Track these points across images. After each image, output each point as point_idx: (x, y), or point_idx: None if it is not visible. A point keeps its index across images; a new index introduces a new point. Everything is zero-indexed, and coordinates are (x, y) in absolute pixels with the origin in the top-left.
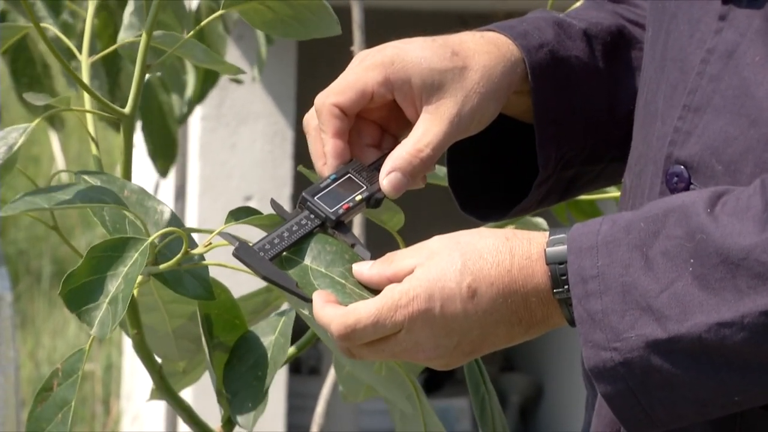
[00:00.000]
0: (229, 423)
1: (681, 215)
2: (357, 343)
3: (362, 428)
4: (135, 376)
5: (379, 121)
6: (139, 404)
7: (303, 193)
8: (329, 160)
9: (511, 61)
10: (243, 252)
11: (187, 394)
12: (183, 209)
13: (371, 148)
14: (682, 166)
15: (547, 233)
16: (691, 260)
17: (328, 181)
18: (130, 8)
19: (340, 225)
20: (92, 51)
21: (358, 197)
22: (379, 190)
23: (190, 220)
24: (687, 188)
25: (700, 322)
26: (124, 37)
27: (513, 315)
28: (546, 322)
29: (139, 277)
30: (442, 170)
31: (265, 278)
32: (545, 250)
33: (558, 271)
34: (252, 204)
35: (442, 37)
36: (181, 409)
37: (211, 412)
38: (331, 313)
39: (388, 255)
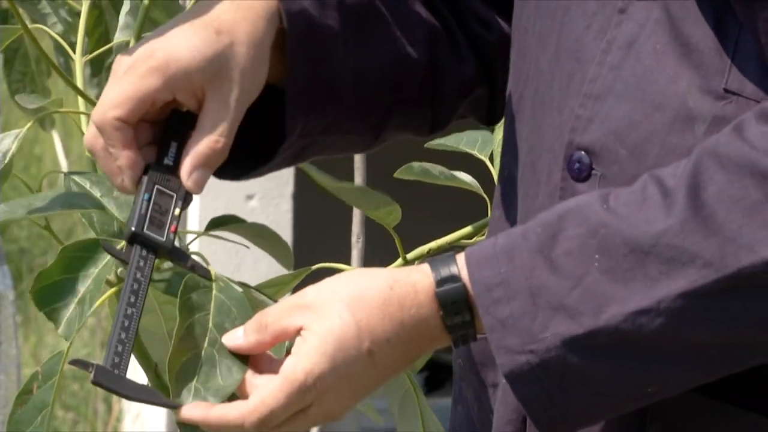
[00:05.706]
0: None
1: (578, 215)
2: (271, 427)
3: (363, 427)
4: (136, 374)
5: (151, 119)
6: (140, 403)
7: (130, 228)
8: (126, 173)
9: (270, 14)
10: (102, 377)
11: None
12: None
13: (150, 147)
14: (583, 152)
15: (427, 267)
16: (596, 256)
17: (144, 203)
18: (125, 8)
19: (174, 251)
20: (86, 50)
21: (177, 210)
22: (187, 191)
23: (192, 220)
24: (589, 174)
25: (617, 313)
26: (119, 37)
27: (409, 360)
28: (434, 349)
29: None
30: (436, 168)
31: (129, 398)
32: (435, 292)
33: (450, 298)
34: (253, 203)
35: (200, 18)
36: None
37: None
38: (234, 412)
39: (258, 318)
